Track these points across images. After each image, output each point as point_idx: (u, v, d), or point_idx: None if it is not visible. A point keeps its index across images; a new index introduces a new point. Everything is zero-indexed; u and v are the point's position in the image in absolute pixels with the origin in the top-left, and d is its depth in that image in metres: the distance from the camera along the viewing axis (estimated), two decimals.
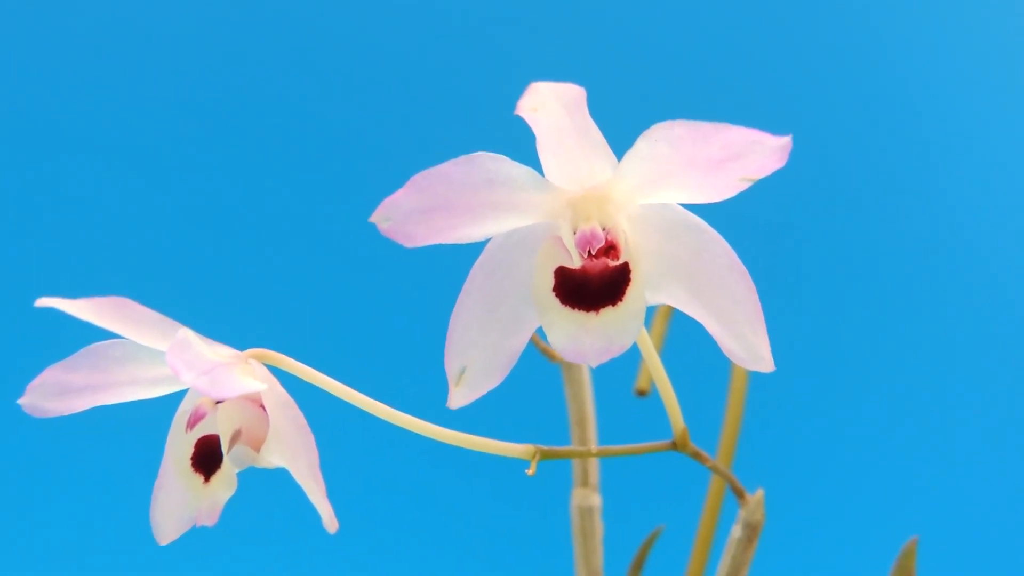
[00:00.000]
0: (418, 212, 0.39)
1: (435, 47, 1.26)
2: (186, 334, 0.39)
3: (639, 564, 0.61)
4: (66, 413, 0.44)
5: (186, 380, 0.38)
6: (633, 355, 0.71)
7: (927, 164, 1.29)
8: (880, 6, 1.30)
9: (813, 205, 1.24)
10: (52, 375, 0.43)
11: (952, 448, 1.19)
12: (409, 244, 0.40)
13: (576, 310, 0.41)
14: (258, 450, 0.42)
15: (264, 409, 0.42)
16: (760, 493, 0.54)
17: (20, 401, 0.44)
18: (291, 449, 0.41)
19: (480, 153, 0.40)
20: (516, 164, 0.40)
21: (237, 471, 0.41)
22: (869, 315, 1.23)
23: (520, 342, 0.43)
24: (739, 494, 0.54)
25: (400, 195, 0.39)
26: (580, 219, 0.41)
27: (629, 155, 0.40)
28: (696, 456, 0.51)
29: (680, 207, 0.42)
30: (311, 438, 0.41)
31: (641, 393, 0.69)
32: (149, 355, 0.43)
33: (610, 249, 0.41)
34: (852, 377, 1.21)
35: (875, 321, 1.23)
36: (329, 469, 0.44)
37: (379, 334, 1.20)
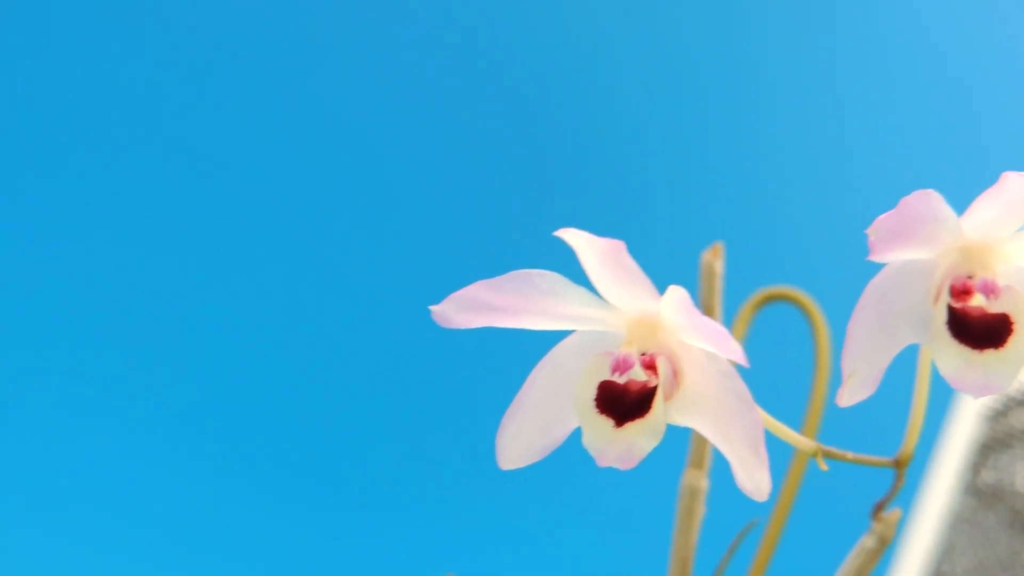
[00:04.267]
0: (890, 232, 0.43)
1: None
2: (684, 293, 0.41)
3: (731, 552, 0.66)
4: (464, 327, 0.44)
5: (729, 348, 0.40)
6: None
7: None
8: None
9: None
10: (476, 290, 0.43)
11: None
12: (873, 255, 0.44)
13: (962, 345, 0.46)
14: None
15: (676, 373, 0.44)
16: (897, 513, 0.61)
17: (433, 308, 0.44)
18: (723, 416, 0.44)
19: (933, 192, 0.44)
20: (948, 207, 0.45)
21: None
22: None
23: (891, 358, 0.47)
24: (878, 509, 0.61)
25: (887, 216, 0.43)
26: (975, 266, 0.46)
27: None
28: (898, 477, 0.57)
29: None
30: (755, 412, 0.43)
31: None
32: (576, 294, 0.43)
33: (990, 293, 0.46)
34: None
35: None
36: None
37: None
